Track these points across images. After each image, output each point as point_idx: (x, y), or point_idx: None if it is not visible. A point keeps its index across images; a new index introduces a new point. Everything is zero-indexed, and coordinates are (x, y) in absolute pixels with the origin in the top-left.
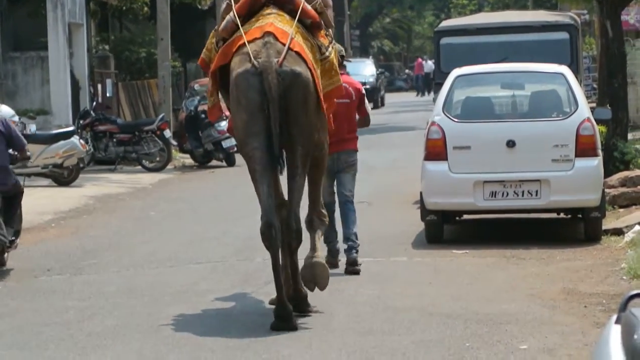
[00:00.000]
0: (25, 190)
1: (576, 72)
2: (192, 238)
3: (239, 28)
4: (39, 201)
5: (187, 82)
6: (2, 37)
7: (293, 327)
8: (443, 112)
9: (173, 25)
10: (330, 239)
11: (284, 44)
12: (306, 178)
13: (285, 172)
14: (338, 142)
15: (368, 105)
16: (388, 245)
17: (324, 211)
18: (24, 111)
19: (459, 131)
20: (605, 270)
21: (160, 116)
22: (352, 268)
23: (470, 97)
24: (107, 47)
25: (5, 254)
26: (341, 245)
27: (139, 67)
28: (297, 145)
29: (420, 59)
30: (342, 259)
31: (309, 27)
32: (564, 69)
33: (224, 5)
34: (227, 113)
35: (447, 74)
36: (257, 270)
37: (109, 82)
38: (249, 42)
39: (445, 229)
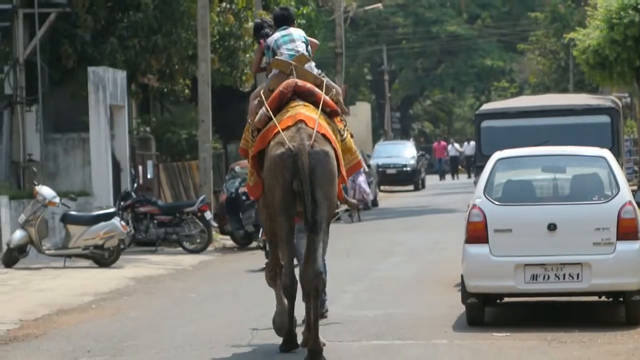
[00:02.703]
0: (65, 271)
1: (617, 155)
2: (233, 320)
3: (272, 119)
4: (79, 282)
5: (228, 164)
6: (44, 119)
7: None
8: (484, 194)
9: (214, 107)
10: None
11: (313, 129)
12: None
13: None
14: None
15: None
16: (429, 327)
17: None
18: (65, 192)
19: (500, 214)
20: None
21: (201, 198)
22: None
23: (512, 180)
24: (148, 128)
25: None
26: None
27: (180, 148)
28: (322, 208)
29: (442, 141)
30: None
31: (329, 114)
32: (606, 153)
33: (255, 102)
34: None
35: (488, 156)
36: (298, 354)
37: (149, 163)
38: (282, 130)
39: (486, 311)
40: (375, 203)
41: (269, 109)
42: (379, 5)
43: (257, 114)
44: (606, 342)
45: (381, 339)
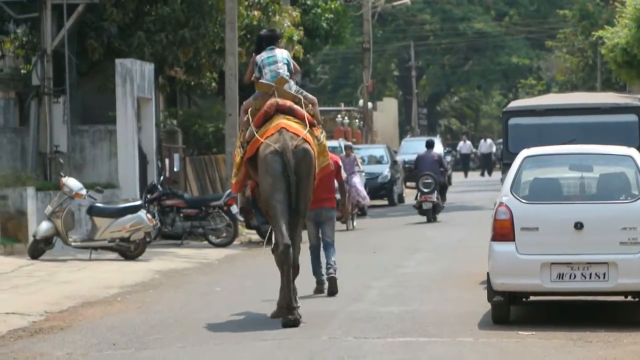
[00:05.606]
0: (91, 263)
1: None
2: (258, 314)
3: (255, 135)
4: (105, 275)
5: None
6: (71, 110)
7: (298, 321)
8: (511, 192)
9: (241, 100)
10: (317, 272)
11: (294, 133)
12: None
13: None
14: (319, 201)
15: (343, 172)
16: (454, 325)
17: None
18: (92, 184)
19: (527, 212)
20: None
21: (228, 192)
22: (332, 289)
23: (539, 179)
24: (175, 121)
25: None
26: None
27: (207, 142)
28: (301, 200)
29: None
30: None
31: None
32: (633, 152)
33: (244, 119)
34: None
35: (515, 154)
36: (323, 349)
37: (176, 156)
38: (267, 137)
39: (512, 309)
40: (401, 199)
41: (254, 128)
42: (407, 1)
43: (246, 128)
44: (632, 342)
45: (406, 336)
